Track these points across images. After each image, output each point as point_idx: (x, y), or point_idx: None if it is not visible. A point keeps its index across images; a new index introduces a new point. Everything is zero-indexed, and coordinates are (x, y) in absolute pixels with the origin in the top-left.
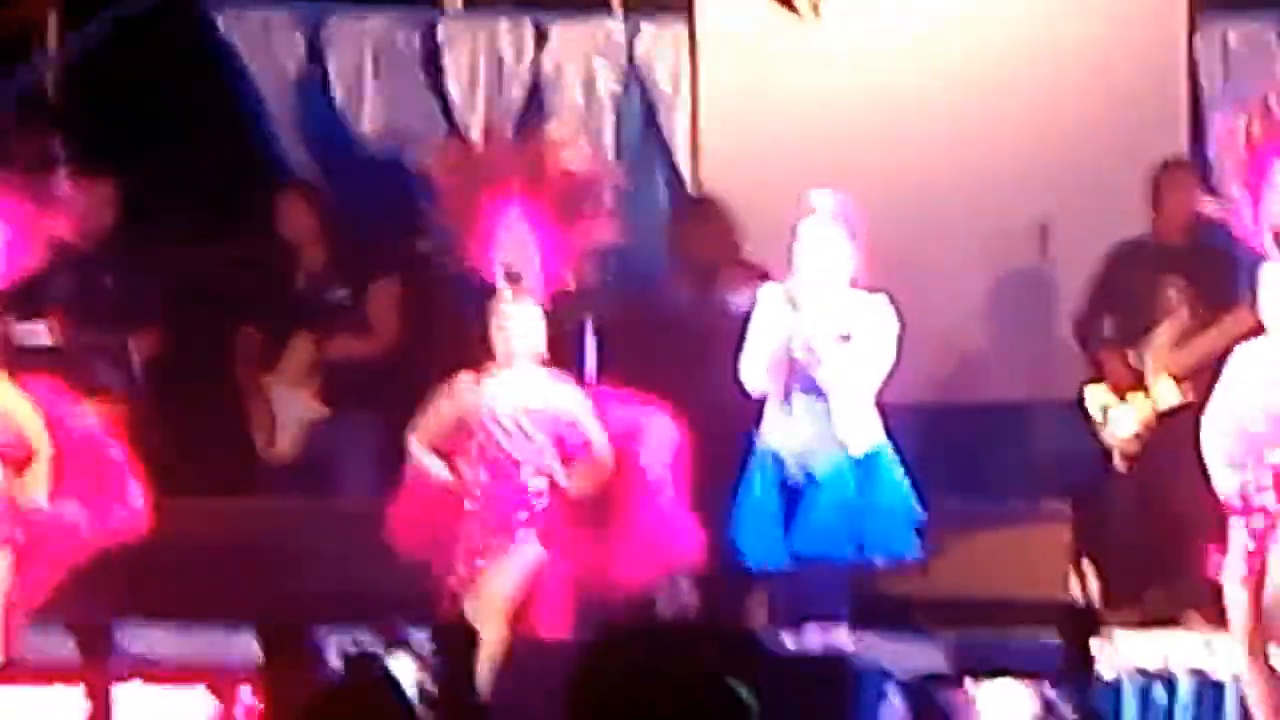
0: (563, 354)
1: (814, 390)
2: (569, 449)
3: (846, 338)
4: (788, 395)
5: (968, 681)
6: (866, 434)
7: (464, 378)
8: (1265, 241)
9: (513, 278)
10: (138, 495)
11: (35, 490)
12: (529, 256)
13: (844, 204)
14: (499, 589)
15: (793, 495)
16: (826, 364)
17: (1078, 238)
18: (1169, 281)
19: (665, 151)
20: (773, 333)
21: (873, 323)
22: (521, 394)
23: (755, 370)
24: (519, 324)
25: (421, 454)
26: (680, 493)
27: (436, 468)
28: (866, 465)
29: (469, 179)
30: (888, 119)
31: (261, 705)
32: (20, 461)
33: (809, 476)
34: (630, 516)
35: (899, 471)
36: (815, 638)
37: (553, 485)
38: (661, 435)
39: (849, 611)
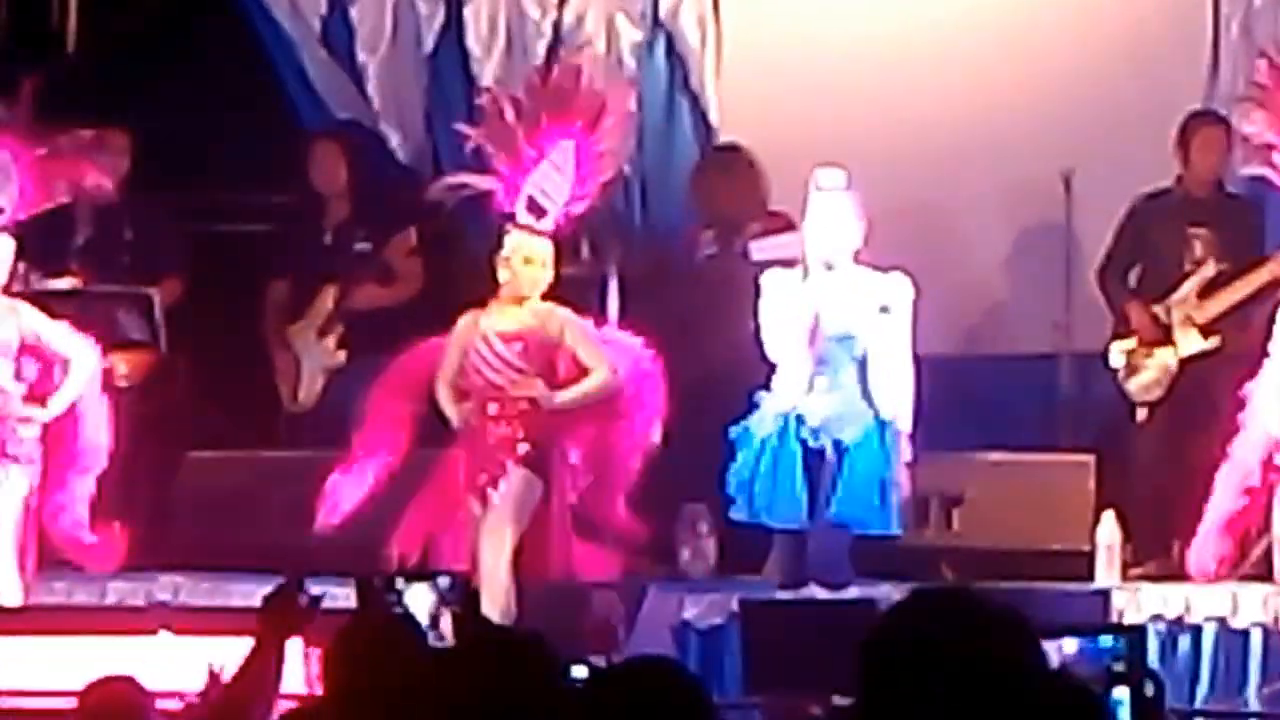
0: (587, 302)
1: (843, 363)
2: (558, 372)
3: (884, 309)
4: (816, 369)
5: None
6: (894, 405)
7: (467, 317)
8: None
9: (536, 209)
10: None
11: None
12: (560, 192)
13: (852, 181)
14: (500, 527)
15: (817, 458)
16: (851, 332)
17: (1101, 188)
18: (1195, 233)
19: (690, 103)
20: (793, 309)
21: (892, 294)
22: (505, 322)
23: (781, 346)
24: (527, 254)
25: (444, 401)
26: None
27: (452, 416)
28: (891, 437)
29: (534, 105)
30: (912, 69)
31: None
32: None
33: (836, 444)
34: (617, 453)
35: (889, 445)
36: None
37: (548, 418)
38: (649, 375)
39: (853, 574)
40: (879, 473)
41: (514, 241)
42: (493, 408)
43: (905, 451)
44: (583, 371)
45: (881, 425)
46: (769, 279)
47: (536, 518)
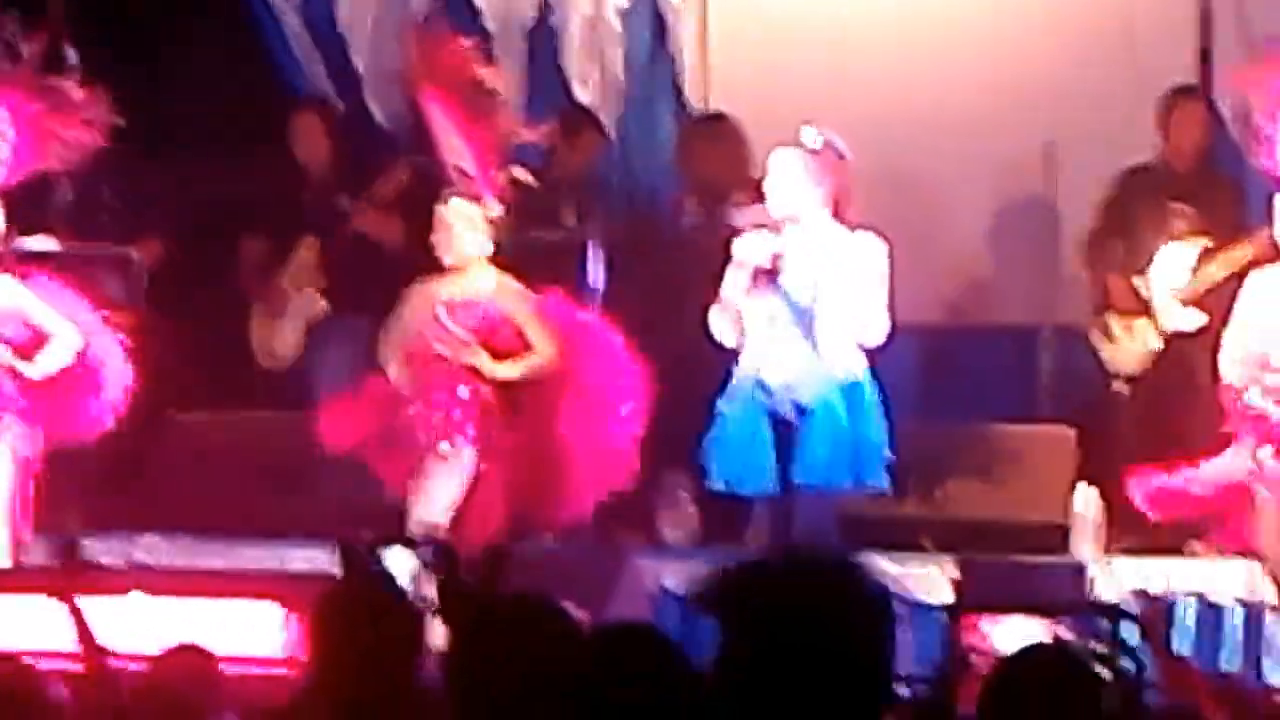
0: (567, 274)
1: (798, 321)
2: (502, 346)
3: (848, 267)
4: (772, 326)
5: (983, 618)
6: (852, 364)
7: (419, 284)
8: None
9: (464, 176)
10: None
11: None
12: (464, 152)
13: (825, 139)
14: (434, 496)
15: (782, 425)
16: (814, 290)
17: (1084, 160)
18: (1176, 208)
19: (674, 68)
20: (755, 260)
21: (858, 252)
22: (448, 289)
23: (723, 323)
24: (447, 221)
25: (386, 362)
26: (619, 416)
27: (398, 377)
28: (851, 395)
29: (413, 83)
30: (896, 38)
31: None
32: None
33: (798, 407)
34: (565, 434)
35: (878, 402)
36: None
37: (489, 390)
38: (610, 354)
39: (838, 539)
40: (840, 433)
41: (442, 209)
42: (444, 377)
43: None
44: (525, 347)
45: (843, 384)
46: (739, 243)
47: (471, 492)
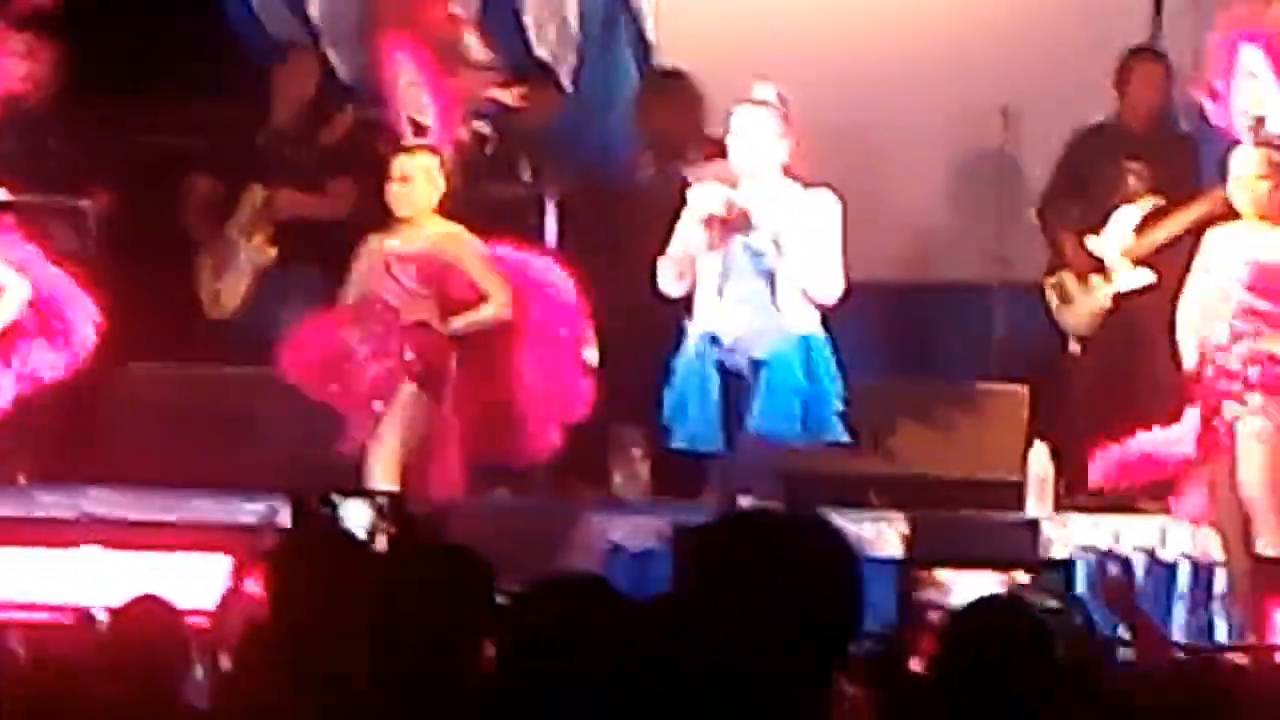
0: (524, 229)
1: (754, 275)
2: (454, 295)
3: (798, 224)
4: (726, 280)
5: (940, 574)
6: (806, 318)
7: (372, 238)
8: (1237, 125)
9: (418, 128)
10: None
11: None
12: (426, 103)
13: (780, 96)
14: (387, 442)
15: (734, 378)
16: (769, 246)
17: (1039, 120)
18: (1132, 167)
19: (631, 23)
20: (698, 234)
21: (813, 210)
22: (400, 242)
23: (669, 278)
24: (404, 172)
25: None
26: (574, 352)
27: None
28: (805, 350)
29: (370, 30)
30: None
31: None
32: None
33: (751, 361)
34: (520, 373)
35: (830, 355)
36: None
37: (425, 329)
38: (559, 293)
39: (784, 491)
40: (796, 384)
41: (398, 161)
42: (397, 330)
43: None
44: (479, 296)
45: (797, 338)
46: (692, 191)
47: (425, 438)
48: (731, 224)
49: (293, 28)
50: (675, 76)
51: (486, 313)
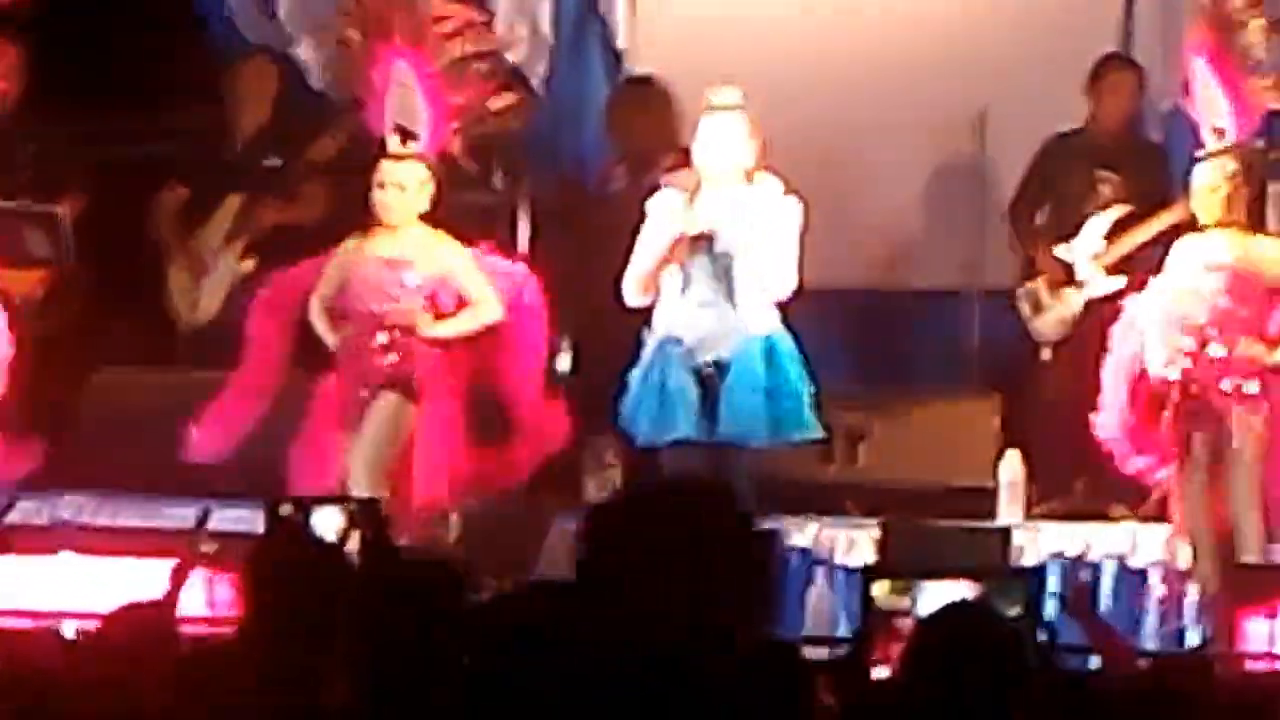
0: (497, 235)
1: (716, 277)
2: (442, 304)
3: (759, 224)
4: (687, 284)
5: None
6: (767, 319)
7: (351, 240)
8: (1204, 135)
9: (405, 135)
10: None
11: None
12: (418, 113)
13: (744, 100)
14: (370, 444)
15: (699, 380)
16: (731, 251)
17: (1015, 127)
18: (1102, 175)
19: (603, 32)
20: (668, 234)
21: (775, 212)
22: (388, 248)
23: (634, 290)
24: (398, 180)
25: (317, 319)
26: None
27: (327, 337)
28: (769, 350)
29: (362, 35)
30: (828, 3)
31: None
32: None
33: (716, 362)
34: (506, 385)
35: (796, 354)
36: None
37: (413, 335)
38: (536, 306)
39: (756, 496)
40: (761, 384)
41: (384, 167)
42: (380, 336)
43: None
44: (463, 303)
45: (760, 339)
46: (654, 200)
47: (407, 444)
48: (697, 242)
49: (267, 33)
50: (647, 83)
51: (476, 316)
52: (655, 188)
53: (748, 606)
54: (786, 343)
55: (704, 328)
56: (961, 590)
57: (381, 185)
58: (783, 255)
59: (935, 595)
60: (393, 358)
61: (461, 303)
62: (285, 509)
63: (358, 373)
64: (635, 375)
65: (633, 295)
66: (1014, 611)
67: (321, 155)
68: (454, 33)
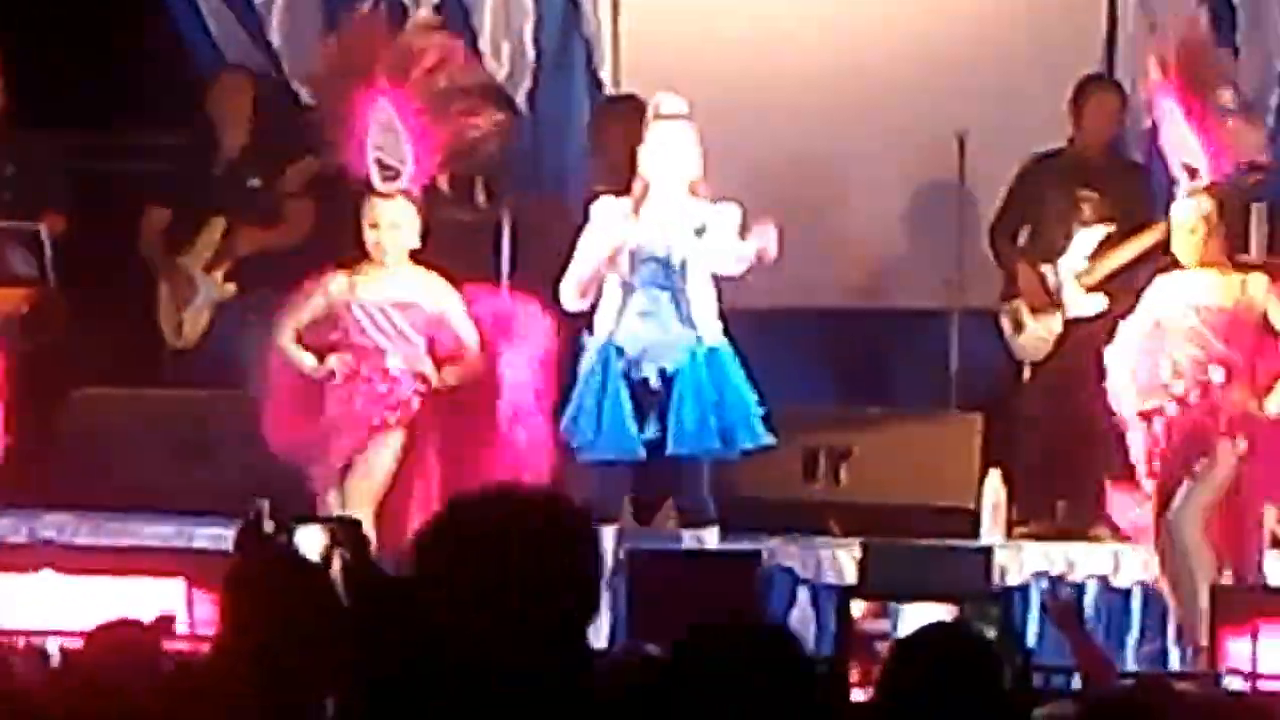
0: (479, 253)
1: (659, 289)
2: (440, 348)
3: (699, 232)
4: (630, 294)
5: (890, 605)
6: (712, 329)
7: (337, 274)
8: (1174, 170)
9: (386, 172)
10: None
11: None
12: (401, 150)
13: (689, 109)
14: (366, 481)
15: (644, 393)
16: (674, 260)
17: (995, 146)
18: (1084, 195)
19: (586, 50)
20: (608, 241)
21: (720, 222)
22: (391, 289)
23: (572, 294)
24: (391, 219)
25: (289, 347)
26: (545, 396)
27: (306, 361)
28: (713, 360)
29: (341, 70)
30: (810, 23)
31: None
32: None
33: (661, 373)
34: (494, 418)
35: (739, 363)
36: (685, 537)
37: (422, 380)
38: (535, 337)
39: (716, 510)
40: (707, 396)
41: (373, 206)
42: (387, 378)
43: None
44: (459, 343)
45: (705, 351)
46: (597, 206)
47: (406, 480)
48: (639, 251)
49: (252, 55)
50: (628, 101)
51: (466, 368)
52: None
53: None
54: (730, 353)
55: (647, 338)
56: (940, 613)
57: (375, 225)
58: (727, 267)
59: (914, 617)
60: (399, 399)
61: (458, 343)
62: (268, 527)
63: (358, 409)
64: (576, 383)
65: (570, 300)
66: (991, 633)
67: (303, 175)
68: (435, 66)
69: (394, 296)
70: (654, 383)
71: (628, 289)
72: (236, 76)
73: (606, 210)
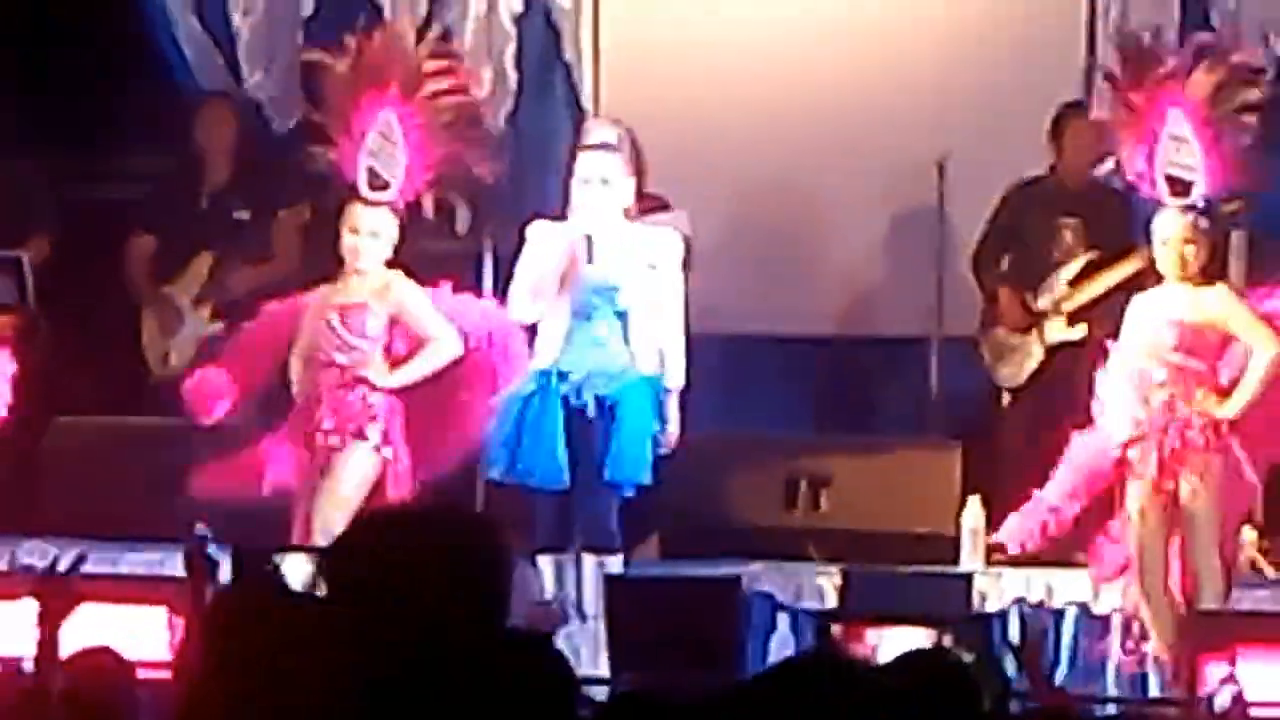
0: (463, 273)
1: (600, 316)
2: (395, 350)
3: (644, 264)
4: (573, 319)
5: (869, 631)
6: (651, 359)
7: (318, 291)
8: (1159, 187)
9: (376, 181)
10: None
11: None
12: (396, 162)
13: (621, 137)
14: (334, 501)
15: (578, 416)
16: (611, 287)
17: (974, 174)
18: (1066, 223)
19: (567, 75)
20: (550, 261)
21: (657, 248)
22: (349, 294)
23: (524, 300)
24: (372, 227)
25: (297, 372)
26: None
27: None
28: (654, 390)
29: (353, 76)
30: (789, 51)
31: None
32: None
33: (598, 400)
34: (466, 422)
35: (656, 400)
36: (591, 566)
37: (388, 390)
38: (508, 344)
39: (623, 538)
40: (646, 429)
41: (354, 212)
42: (343, 386)
43: (673, 412)
44: (415, 344)
45: (646, 381)
46: (533, 229)
47: (373, 493)
48: (574, 278)
49: (225, 77)
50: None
51: (435, 353)
52: None
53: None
54: (658, 386)
55: (587, 364)
56: (920, 638)
57: (355, 230)
58: (675, 293)
59: (895, 642)
60: (357, 408)
61: (414, 344)
62: (254, 557)
63: (321, 422)
64: (512, 403)
65: (522, 308)
66: (969, 658)
67: (297, 219)
68: (447, 90)
69: (343, 301)
70: (590, 411)
71: (566, 314)
72: (219, 107)
73: (542, 235)
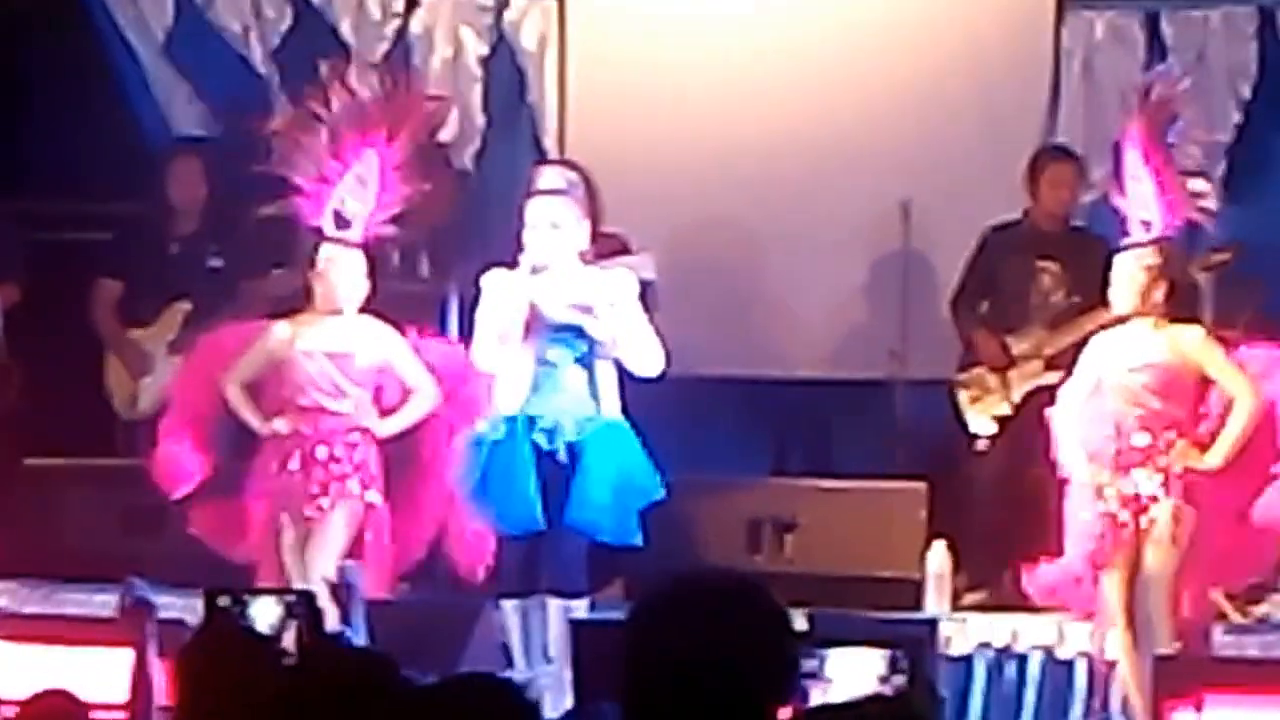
0: (427, 316)
1: (562, 362)
2: (386, 397)
3: (587, 309)
4: (536, 366)
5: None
6: (612, 403)
7: (282, 328)
8: (1132, 228)
9: (342, 223)
10: None
11: None
12: (365, 202)
13: (573, 181)
14: (329, 539)
15: (547, 464)
16: (570, 333)
17: (938, 217)
18: (1043, 266)
19: (532, 117)
20: (508, 310)
21: (613, 290)
22: (335, 340)
23: (489, 351)
24: (341, 269)
25: (238, 402)
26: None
27: (252, 419)
28: (618, 436)
29: (338, 119)
30: (753, 94)
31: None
32: None
33: (569, 446)
34: (434, 465)
35: (637, 440)
36: (556, 609)
37: (365, 434)
38: (471, 388)
39: (588, 583)
40: (611, 475)
41: (326, 253)
42: (335, 435)
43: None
44: (405, 391)
45: (613, 426)
46: (487, 278)
47: (358, 538)
48: (533, 324)
49: (197, 123)
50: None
51: (420, 404)
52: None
53: None
54: (628, 429)
55: (555, 409)
56: (869, 657)
57: (331, 265)
58: (640, 332)
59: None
60: (348, 455)
61: (404, 391)
62: (223, 600)
63: (313, 467)
64: (481, 449)
65: (485, 359)
66: (898, 680)
67: (281, 288)
68: (421, 127)
69: (331, 346)
70: (561, 456)
71: (537, 361)
72: (188, 160)
73: (497, 283)
